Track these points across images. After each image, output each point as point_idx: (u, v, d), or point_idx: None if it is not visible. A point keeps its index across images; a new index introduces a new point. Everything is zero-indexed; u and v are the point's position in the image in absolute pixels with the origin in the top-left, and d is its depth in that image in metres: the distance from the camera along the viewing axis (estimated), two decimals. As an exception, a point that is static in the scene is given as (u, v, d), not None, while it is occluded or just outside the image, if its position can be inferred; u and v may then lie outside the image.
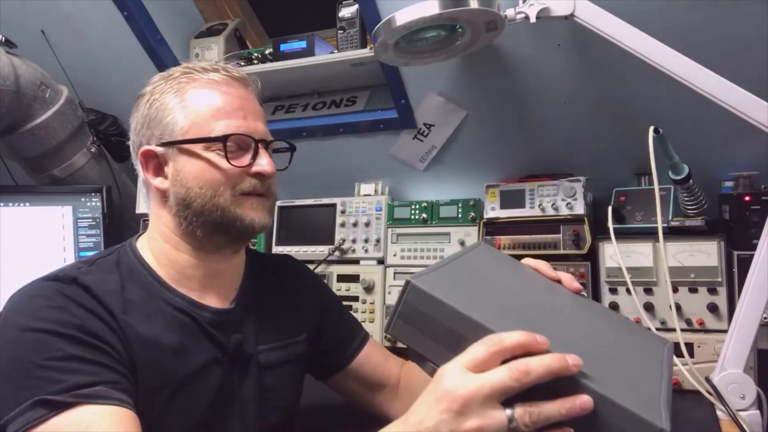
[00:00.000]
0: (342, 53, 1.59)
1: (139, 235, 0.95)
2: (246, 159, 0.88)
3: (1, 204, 1.68)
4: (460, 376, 0.57)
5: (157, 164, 0.89)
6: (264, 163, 0.89)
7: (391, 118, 1.65)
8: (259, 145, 0.89)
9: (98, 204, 1.80)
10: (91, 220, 1.79)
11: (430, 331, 0.64)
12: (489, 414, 0.56)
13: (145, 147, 0.89)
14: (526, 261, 0.91)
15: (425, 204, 1.58)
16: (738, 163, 1.37)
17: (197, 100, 0.87)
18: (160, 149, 0.88)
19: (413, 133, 1.67)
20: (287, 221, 1.74)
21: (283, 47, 1.67)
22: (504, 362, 0.57)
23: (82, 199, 1.79)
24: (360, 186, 1.72)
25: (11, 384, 0.71)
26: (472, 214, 1.52)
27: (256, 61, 1.73)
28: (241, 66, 1.72)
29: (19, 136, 1.74)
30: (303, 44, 1.64)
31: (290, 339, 1.00)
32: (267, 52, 1.72)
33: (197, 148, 0.86)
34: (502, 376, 0.56)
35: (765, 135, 1.02)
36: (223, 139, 0.86)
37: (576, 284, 0.87)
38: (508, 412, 0.56)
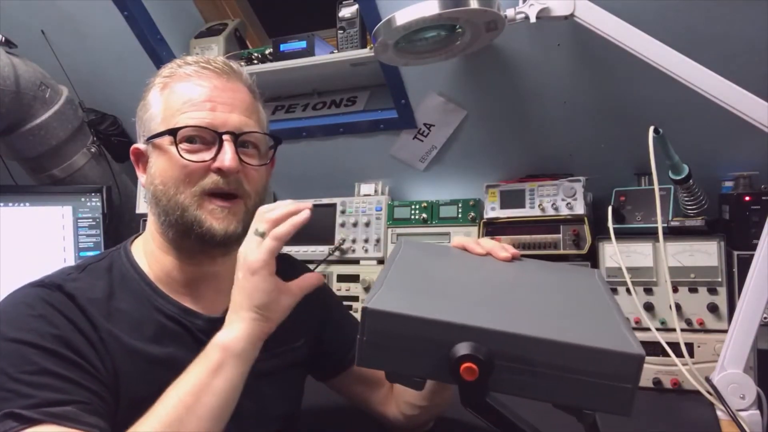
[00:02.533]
0: (342, 53, 1.59)
1: (136, 237, 0.94)
2: (208, 153, 0.83)
3: (1, 204, 1.68)
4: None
5: (144, 161, 0.89)
6: (226, 158, 0.82)
7: (391, 118, 1.65)
8: (226, 138, 0.83)
9: (98, 204, 1.80)
10: (91, 220, 1.79)
11: (403, 347, 0.62)
12: (250, 241, 0.76)
13: (134, 145, 0.90)
14: (454, 242, 0.90)
15: (425, 204, 1.58)
16: (738, 163, 1.37)
17: (170, 94, 0.86)
18: (143, 146, 0.88)
19: (413, 133, 1.67)
20: (287, 221, 1.74)
21: (283, 47, 1.67)
22: None
23: (82, 199, 1.79)
24: (360, 186, 1.72)
25: None
26: (472, 214, 1.52)
27: (256, 61, 1.73)
28: (241, 66, 1.71)
29: (19, 136, 1.74)
30: (303, 44, 1.64)
31: (289, 345, 0.97)
32: (267, 52, 1.72)
33: (165, 142, 0.84)
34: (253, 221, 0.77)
35: (765, 135, 1.02)
36: (171, 131, 0.82)
37: (504, 254, 0.84)
38: (252, 229, 0.76)
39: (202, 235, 0.83)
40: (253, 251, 0.75)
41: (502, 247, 0.85)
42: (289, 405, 0.98)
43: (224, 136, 0.83)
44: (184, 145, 0.83)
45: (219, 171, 0.83)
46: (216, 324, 0.84)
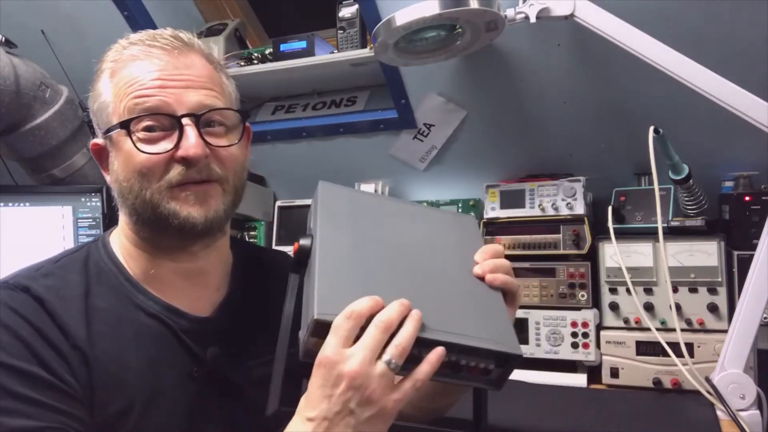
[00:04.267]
0: (342, 53, 1.59)
1: (113, 229, 0.85)
2: (170, 141, 0.74)
3: (1, 204, 1.68)
4: (342, 355, 0.59)
5: (105, 157, 0.80)
6: (189, 144, 0.73)
7: (391, 118, 1.65)
8: (185, 121, 0.74)
9: (98, 204, 1.80)
10: (91, 220, 1.79)
11: None
12: (376, 372, 0.59)
13: (92, 141, 0.81)
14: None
15: (425, 204, 1.58)
16: (738, 163, 1.37)
17: (119, 80, 0.76)
18: (101, 141, 0.80)
19: (413, 133, 1.67)
20: (287, 221, 1.74)
21: (283, 47, 1.67)
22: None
23: (82, 199, 1.78)
24: (360, 186, 1.72)
25: None
26: (472, 214, 1.52)
27: (256, 61, 1.73)
28: (241, 66, 1.72)
29: (19, 136, 1.74)
30: (303, 44, 1.64)
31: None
32: (267, 52, 1.72)
33: (120, 135, 0.74)
34: (374, 333, 0.60)
35: (765, 135, 1.02)
36: (123, 123, 0.73)
37: None
38: (385, 358, 0.60)
39: (181, 227, 0.74)
40: (384, 386, 0.59)
41: None
42: (284, 415, 0.88)
43: (183, 120, 0.74)
44: (141, 134, 0.74)
45: (184, 160, 0.73)
46: (204, 325, 0.80)
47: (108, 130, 0.76)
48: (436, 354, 0.62)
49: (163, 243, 0.79)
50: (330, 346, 0.59)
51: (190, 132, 0.74)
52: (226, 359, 0.80)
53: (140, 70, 0.75)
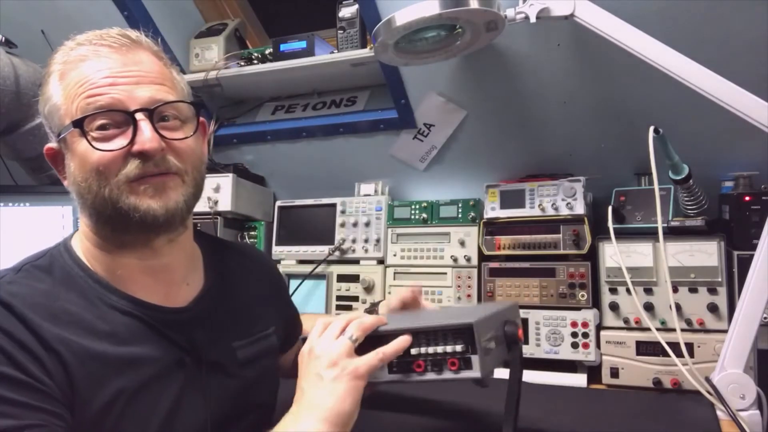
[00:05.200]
0: (342, 53, 1.60)
1: (74, 233, 0.84)
2: (124, 138, 0.74)
3: (1, 204, 1.68)
4: (313, 341, 0.78)
5: (61, 161, 0.80)
6: (144, 138, 0.73)
7: (391, 118, 1.65)
8: (139, 116, 0.74)
9: (98, 204, 1.80)
10: (91, 220, 1.79)
11: (490, 343, 0.79)
12: (337, 343, 0.75)
13: (47, 145, 0.80)
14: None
15: (425, 204, 1.58)
16: (738, 163, 1.37)
17: (68, 81, 0.76)
18: (55, 145, 0.80)
19: (413, 133, 1.67)
20: (287, 221, 1.74)
21: (283, 47, 1.67)
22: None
23: (82, 199, 1.79)
24: (360, 186, 1.72)
25: None
26: (472, 214, 1.52)
27: (256, 61, 1.73)
28: (241, 66, 1.72)
29: (19, 136, 1.74)
30: (303, 44, 1.64)
31: (263, 332, 0.94)
32: (267, 52, 1.72)
33: (74, 136, 0.75)
34: (336, 322, 0.79)
35: (765, 135, 1.02)
36: (76, 123, 0.73)
37: None
38: (347, 334, 0.76)
39: (142, 220, 0.74)
40: (344, 353, 0.74)
41: None
42: (267, 394, 0.94)
43: (137, 115, 0.74)
44: (95, 133, 0.74)
45: (140, 155, 0.74)
46: (180, 315, 0.82)
47: (61, 132, 0.76)
48: (402, 338, 0.76)
49: (125, 240, 0.78)
50: (310, 338, 0.78)
51: (145, 126, 0.74)
52: (210, 344, 0.83)
53: (90, 69, 0.75)
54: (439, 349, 0.75)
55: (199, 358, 0.81)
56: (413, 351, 0.76)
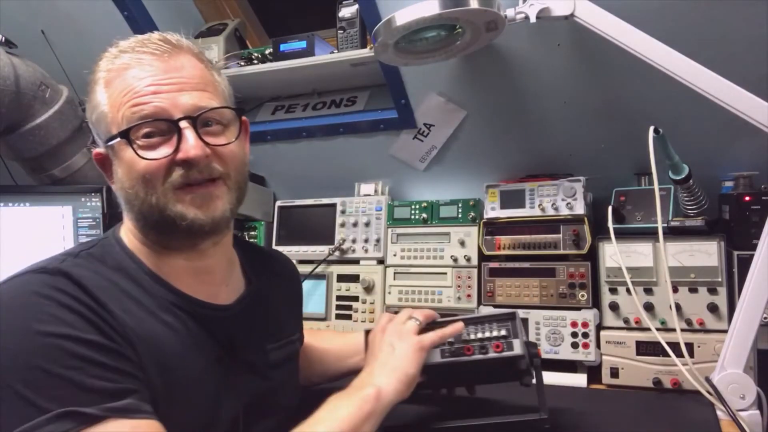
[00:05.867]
0: (342, 53, 1.59)
1: (120, 225, 0.86)
2: (169, 145, 0.76)
3: (1, 204, 1.68)
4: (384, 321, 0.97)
5: (109, 165, 0.82)
6: (188, 146, 0.75)
7: (391, 118, 1.65)
8: (182, 124, 0.76)
9: (98, 204, 1.80)
10: (91, 220, 1.79)
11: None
12: (405, 324, 0.94)
13: (95, 150, 0.83)
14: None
15: (425, 204, 1.58)
16: (738, 163, 1.37)
17: (113, 90, 0.78)
18: (103, 150, 0.82)
19: (413, 133, 1.67)
20: (287, 221, 1.74)
21: (283, 47, 1.67)
22: None
23: (82, 199, 1.78)
24: (360, 186, 1.72)
25: (21, 394, 0.63)
26: (472, 214, 1.52)
27: (256, 61, 1.73)
28: (241, 66, 1.72)
29: (19, 136, 1.74)
30: (303, 44, 1.64)
31: (290, 337, 0.99)
32: (267, 52, 1.72)
33: (121, 144, 0.76)
34: (403, 311, 0.98)
35: (765, 135, 1.02)
36: (122, 133, 0.75)
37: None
38: (413, 316, 0.95)
39: (189, 228, 0.77)
40: (410, 331, 0.91)
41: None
42: (292, 397, 0.98)
43: (181, 123, 0.76)
44: (141, 141, 0.76)
45: (185, 163, 0.76)
46: (224, 313, 0.85)
47: (108, 140, 0.78)
48: (458, 324, 0.93)
49: (171, 244, 0.81)
50: (379, 324, 0.97)
51: (189, 134, 0.76)
52: (247, 344, 0.87)
53: (133, 78, 0.77)
54: (487, 333, 0.92)
55: (235, 356, 0.84)
56: (464, 336, 0.93)
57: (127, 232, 0.84)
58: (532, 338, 1.36)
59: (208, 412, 0.79)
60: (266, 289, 0.96)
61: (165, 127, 0.76)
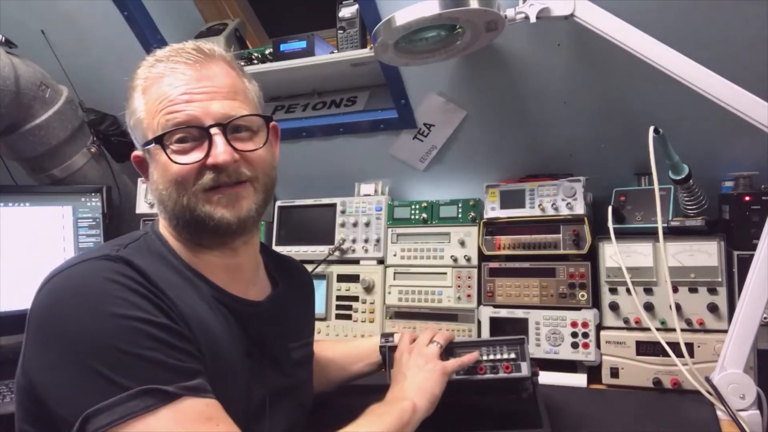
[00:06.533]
0: (342, 53, 1.60)
1: (158, 223, 0.91)
2: (201, 151, 0.81)
3: (1, 204, 1.68)
4: (408, 345, 1.08)
5: (146, 167, 0.88)
6: (218, 152, 0.80)
7: (391, 118, 1.65)
8: (213, 130, 0.80)
9: (98, 204, 1.80)
10: (91, 220, 1.79)
11: None
12: (428, 347, 1.05)
13: (134, 153, 0.89)
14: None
15: (425, 204, 1.58)
16: (738, 163, 1.37)
17: (149, 97, 0.83)
18: (141, 153, 0.88)
19: (413, 133, 1.67)
20: (287, 221, 1.74)
21: (283, 47, 1.67)
22: None
23: (82, 199, 1.79)
24: (360, 186, 1.72)
25: (101, 373, 0.66)
26: (472, 214, 1.52)
27: (256, 61, 1.73)
28: (241, 66, 1.72)
29: (19, 136, 1.74)
30: (303, 44, 1.64)
31: (307, 339, 1.05)
32: (267, 52, 1.72)
33: (157, 149, 0.82)
34: (425, 333, 1.09)
35: (765, 135, 1.02)
36: (156, 139, 0.81)
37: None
38: (435, 340, 1.06)
39: (216, 227, 0.82)
40: (433, 354, 1.03)
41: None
42: (310, 396, 1.04)
43: (212, 130, 0.80)
44: (174, 146, 0.81)
45: (214, 167, 0.81)
46: (256, 309, 0.90)
47: (145, 144, 0.84)
48: (473, 354, 1.04)
49: (204, 242, 0.86)
50: (403, 344, 1.09)
51: (219, 141, 0.80)
52: (274, 340, 0.92)
53: (168, 86, 0.81)
54: (498, 356, 1.04)
55: (264, 351, 0.89)
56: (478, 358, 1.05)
57: (164, 230, 0.89)
58: (532, 339, 1.36)
59: (241, 404, 0.82)
60: (288, 291, 1.01)
61: (197, 133, 0.81)
